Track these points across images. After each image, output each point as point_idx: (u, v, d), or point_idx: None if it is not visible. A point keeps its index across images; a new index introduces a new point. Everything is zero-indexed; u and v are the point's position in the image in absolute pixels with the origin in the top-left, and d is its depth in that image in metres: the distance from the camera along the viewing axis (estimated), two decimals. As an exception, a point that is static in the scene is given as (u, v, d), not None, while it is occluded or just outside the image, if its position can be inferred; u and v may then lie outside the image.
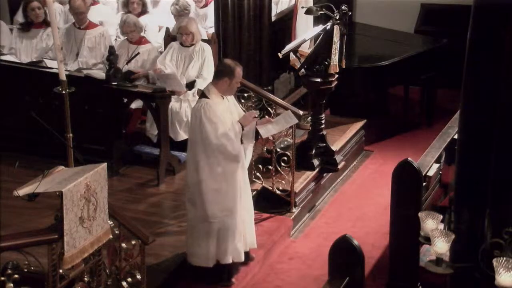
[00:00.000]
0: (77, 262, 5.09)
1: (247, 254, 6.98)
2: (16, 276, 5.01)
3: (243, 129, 6.51)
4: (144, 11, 9.51)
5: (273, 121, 6.84)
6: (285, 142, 8.00)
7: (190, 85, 8.55)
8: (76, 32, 8.99)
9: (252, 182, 7.40)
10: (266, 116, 7.32)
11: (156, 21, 9.73)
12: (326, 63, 8.09)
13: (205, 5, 9.78)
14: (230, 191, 6.56)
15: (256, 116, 6.67)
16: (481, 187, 4.94)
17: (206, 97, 6.50)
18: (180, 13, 9.16)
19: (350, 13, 8.36)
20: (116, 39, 9.37)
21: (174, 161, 8.28)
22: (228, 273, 6.84)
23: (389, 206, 6.55)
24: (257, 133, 6.62)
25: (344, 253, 5.54)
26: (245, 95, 7.98)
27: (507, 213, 4.78)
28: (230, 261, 6.74)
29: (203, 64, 8.56)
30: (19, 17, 9.43)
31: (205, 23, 9.70)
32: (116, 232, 5.69)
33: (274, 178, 7.89)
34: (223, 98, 6.58)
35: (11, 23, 9.88)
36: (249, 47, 8.92)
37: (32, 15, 9.03)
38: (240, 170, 6.62)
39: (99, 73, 8.41)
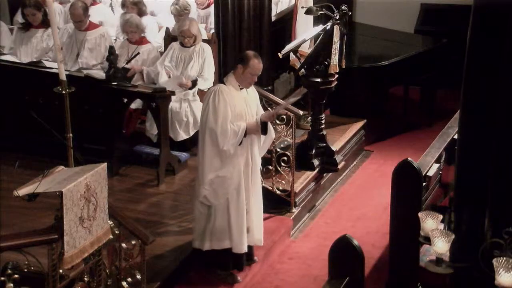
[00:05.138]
0: (77, 262, 5.09)
1: (250, 249, 6.99)
2: (16, 276, 5.01)
3: (245, 135, 6.55)
4: (141, 14, 9.47)
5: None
6: (285, 142, 8.00)
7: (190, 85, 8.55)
8: (77, 34, 8.99)
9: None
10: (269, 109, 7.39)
11: (157, 21, 9.73)
12: (326, 63, 8.09)
13: (207, 6, 9.77)
14: (226, 179, 6.57)
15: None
16: (481, 187, 4.94)
17: (224, 84, 6.58)
18: (180, 13, 9.16)
19: (350, 13, 8.36)
20: (115, 40, 9.36)
21: (174, 161, 8.28)
22: (232, 262, 6.87)
23: (389, 206, 6.55)
24: (264, 126, 6.67)
25: (344, 253, 5.54)
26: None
27: (507, 213, 4.79)
28: (220, 247, 6.75)
29: (203, 64, 8.57)
30: (19, 17, 9.43)
31: (208, 24, 9.70)
32: (116, 232, 5.69)
33: (274, 178, 7.89)
34: (241, 88, 6.61)
35: (11, 23, 9.88)
36: (249, 47, 8.90)
37: (29, 18, 9.03)
38: (241, 163, 6.62)
39: (99, 73, 8.41)
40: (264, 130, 6.69)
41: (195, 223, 6.85)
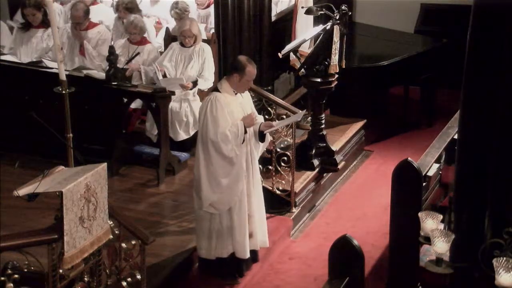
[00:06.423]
0: (77, 262, 5.10)
1: (256, 252, 6.99)
2: (16, 276, 5.01)
3: (245, 130, 6.54)
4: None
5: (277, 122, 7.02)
6: (285, 142, 8.00)
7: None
8: (77, 34, 8.98)
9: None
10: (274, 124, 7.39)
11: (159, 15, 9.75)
12: (326, 63, 8.09)
13: (207, 6, 9.77)
14: (229, 186, 6.57)
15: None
16: (481, 187, 4.94)
17: (218, 91, 6.55)
18: (181, 16, 9.16)
19: (350, 13, 8.37)
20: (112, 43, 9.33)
21: (174, 161, 8.28)
22: (234, 268, 6.86)
23: (389, 206, 6.55)
24: (262, 135, 6.66)
25: (344, 253, 5.54)
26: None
27: (507, 213, 4.78)
28: (226, 255, 6.76)
29: (203, 64, 8.56)
30: (19, 17, 9.43)
31: (208, 24, 9.69)
32: (116, 232, 5.69)
33: (274, 178, 7.89)
34: (235, 94, 6.61)
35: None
36: (249, 47, 8.91)
37: (29, 18, 9.04)
38: (242, 169, 6.62)
39: (99, 73, 8.41)
40: (262, 139, 6.73)
41: (197, 231, 6.83)
